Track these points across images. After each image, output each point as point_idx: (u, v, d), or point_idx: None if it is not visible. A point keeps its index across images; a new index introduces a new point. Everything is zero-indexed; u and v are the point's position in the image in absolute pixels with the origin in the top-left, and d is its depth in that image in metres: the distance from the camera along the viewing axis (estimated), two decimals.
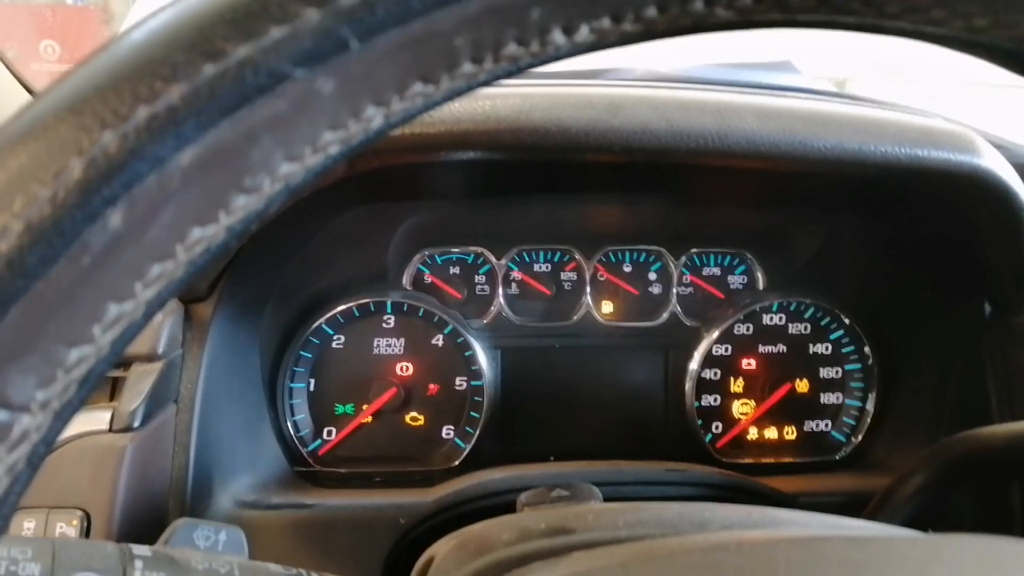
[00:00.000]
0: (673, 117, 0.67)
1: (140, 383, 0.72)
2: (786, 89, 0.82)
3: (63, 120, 0.24)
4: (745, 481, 0.90)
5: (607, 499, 0.65)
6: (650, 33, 0.26)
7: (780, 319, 1.03)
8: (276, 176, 0.26)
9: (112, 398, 0.74)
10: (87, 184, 0.23)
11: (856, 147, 0.69)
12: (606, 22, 0.26)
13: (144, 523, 0.71)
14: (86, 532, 0.66)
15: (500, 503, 0.81)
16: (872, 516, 0.77)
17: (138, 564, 0.46)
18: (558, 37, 0.26)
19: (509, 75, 0.27)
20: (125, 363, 0.74)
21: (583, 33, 0.26)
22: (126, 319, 0.25)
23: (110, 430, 0.70)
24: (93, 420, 0.70)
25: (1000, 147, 0.75)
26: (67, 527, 0.65)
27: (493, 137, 0.66)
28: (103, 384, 0.74)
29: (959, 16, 0.25)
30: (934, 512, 0.75)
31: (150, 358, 0.74)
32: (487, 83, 0.27)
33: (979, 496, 0.86)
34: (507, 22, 0.25)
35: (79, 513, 0.66)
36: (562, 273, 1.03)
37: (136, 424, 0.70)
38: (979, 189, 0.72)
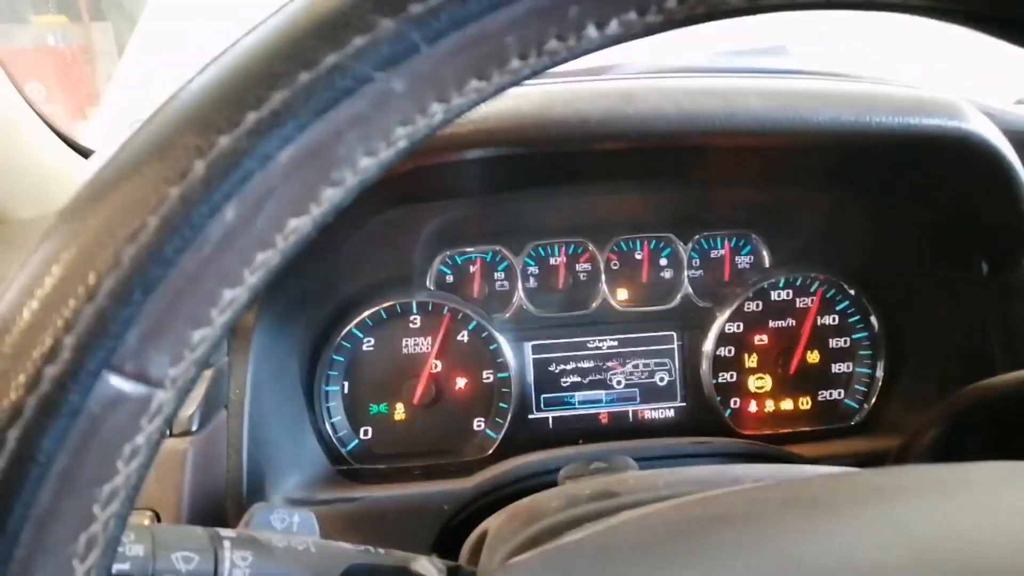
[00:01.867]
0: (682, 102, 0.72)
1: (194, 390, 0.76)
2: (783, 72, 0.87)
3: (185, 129, 0.27)
4: (769, 448, 0.94)
5: None
6: (670, 23, 0.30)
7: (788, 294, 1.08)
8: (357, 169, 0.29)
9: None
10: (209, 182, 0.27)
11: (852, 119, 0.74)
12: (632, 15, 0.30)
13: (206, 520, 0.75)
14: None
15: (539, 483, 0.85)
16: None
17: (226, 544, 0.51)
18: (592, 31, 0.29)
19: (548, 68, 0.31)
20: None
21: (613, 26, 0.29)
22: (236, 303, 0.29)
23: (170, 435, 0.74)
24: None
25: (987, 114, 0.80)
26: None
27: (519, 132, 0.70)
28: None
29: None
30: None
31: None
32: (530, 76, 0.31)
33: (993, 445, 0.90)
34: (549, 21, 0.28)
35: (149, 513, 0.70)
36: (577, 264, 1.07)
37: (194, 428, 0.74)
38: (969, 152, 0.77)
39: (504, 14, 0.29)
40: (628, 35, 0.30)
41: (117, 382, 0.27)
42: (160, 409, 0.29)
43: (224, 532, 0.52)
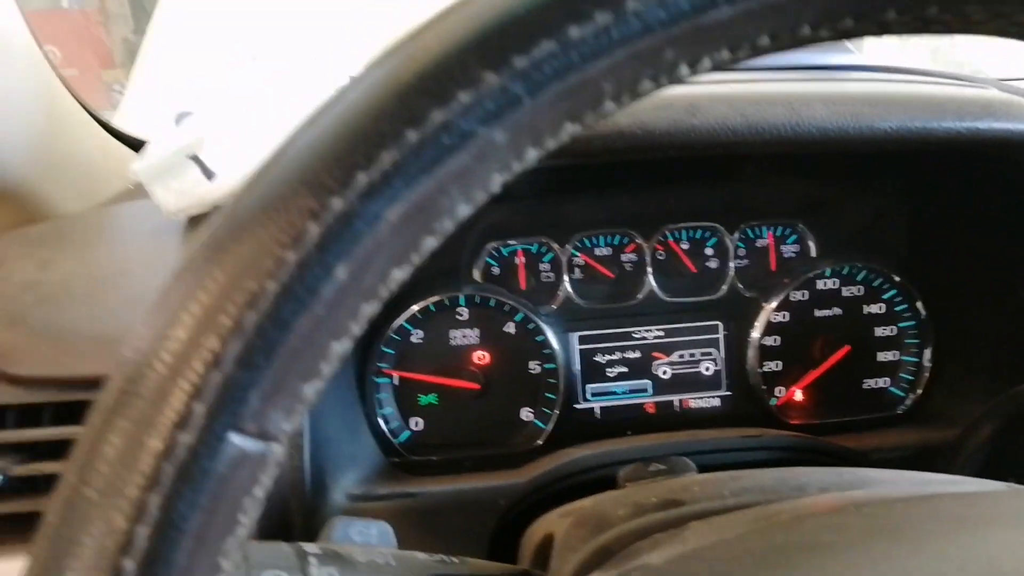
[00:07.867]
0: (748, 112, 0.71)
1: None
2: (846, 68, 0.85)
3: (298, 190, 0.28)
4: (817, 442, 0.95)
5: None
6: (755, 54, 0.31)
7: (834, 283, 1.08)
8: (455, 217, 0.30)
9: None
10: (323, 245, 0.27)
11: (920, 125, 0.73)
12: (725, 53, 0.30)
13: (272, 520, 0.77)
14: None
15: (594, 478, 0.86)
16: (944, 469, 0.81)
17: (312, 560, 0.52)
18: (683, 70, 0.30)
19: (634, 103, 0.31)
20: None
21: (705, 63, 0.30)
22: (340, 352, 0.30)
23: None
24: None
25: None
26: None
27: (585, 144, 0.70)
28: None
29: None
30: (1002, 461, 0.80)
31: None
32: (615, 112, 0.31)
33: None
34: (645, 64, 0.29)
35: None
36: (623, 255, 1.08)
37: None
38: None
39: (604, 62, 0.29)
40: (715, 66, 0.31)
41: (241, 442, 0.28)
42: (274, 461, 0.30)
43: (309, 547, 0.53)
